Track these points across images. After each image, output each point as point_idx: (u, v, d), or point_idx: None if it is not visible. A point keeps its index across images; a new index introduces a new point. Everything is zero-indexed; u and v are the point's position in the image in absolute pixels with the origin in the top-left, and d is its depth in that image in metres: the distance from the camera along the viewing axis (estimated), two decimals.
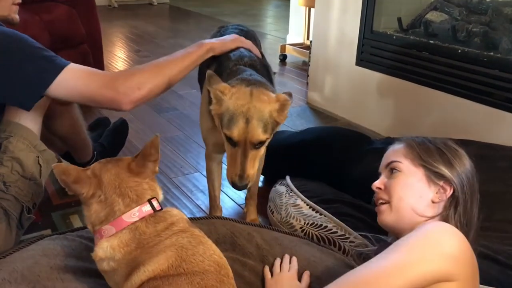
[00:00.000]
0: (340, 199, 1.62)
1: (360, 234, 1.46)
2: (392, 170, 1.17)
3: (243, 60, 1.53)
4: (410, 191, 1.13)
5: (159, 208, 1.04)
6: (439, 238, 0.89)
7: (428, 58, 2.36)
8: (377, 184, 1.20)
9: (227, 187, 2.10)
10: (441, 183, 1.12)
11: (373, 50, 2.64)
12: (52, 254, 1.22)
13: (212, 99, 1.35)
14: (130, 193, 1.02)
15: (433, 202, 1.12)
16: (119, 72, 1.43)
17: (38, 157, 1.45)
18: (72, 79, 1.30)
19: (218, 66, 1.56)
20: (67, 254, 1.22)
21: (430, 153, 1.14)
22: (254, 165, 1.35)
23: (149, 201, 1.03)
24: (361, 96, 2.78)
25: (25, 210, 1.42)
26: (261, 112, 1.29)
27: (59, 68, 1.29)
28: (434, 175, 1.12)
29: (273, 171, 1.98)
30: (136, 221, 1.00)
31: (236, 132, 1.29)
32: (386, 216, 1.15)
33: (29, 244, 1.29)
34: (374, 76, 2.65)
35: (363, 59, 2.71)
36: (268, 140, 1.36)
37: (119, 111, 1.39)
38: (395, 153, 1.19)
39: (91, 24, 2.88)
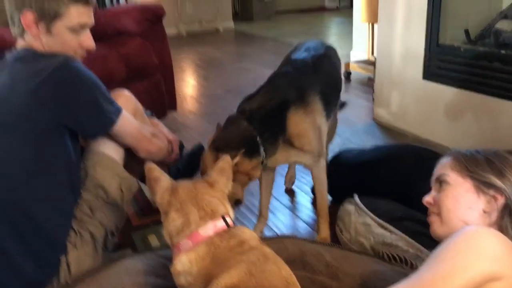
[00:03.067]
0: (411, 217, 1.60)
1: None
2: (440, 183, 1.17)
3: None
4: (459, 203, 1.13)
5: (232, 225, 1.09)
6: (478, 241, 0.90)
7: (499, 69, 2.27)
8: (427, 198, 1.21)
9: (300, 209, 2.14)
10: (492, 192, 1.10)
11: (440, 64, 2.58)
12: (134, 272, 1.31)
13: None
14: (205, 206, 1.09)
15: (484, 212, 1.10)
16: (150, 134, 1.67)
17: (121, 183, 1.56)
18: (125, 124, 1.50)
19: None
20: (147, 272, 1.31)
21: (477, 163, 1.13)
22: None
23: (223, 217, 1.09)
24: (430, 110, 2.71)
25: (109, 233, 1.52)
26: None
27: (120, 111, 1.47)
28: (483, 185, 1.11)
29: (340, 190, 1.99)
30: (211, 236, 1.05)
31: None
32: (437, 228, 1.16)
33: (113, 264, 1.40)
34: (442, 90, 2.59)
35: (430, 73, 2.65)
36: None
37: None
38: (443, 166, 1.19)
39: (162, 54, 3.05)
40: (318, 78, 1.78)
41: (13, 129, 1.31)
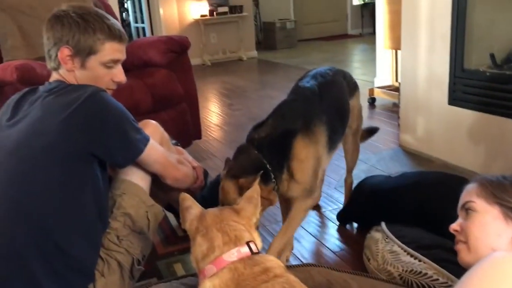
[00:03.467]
0: (439, 245, 1.56)
1: None
2: (467, 211, 1.14)
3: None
4: (487, 231, 1.10)
5: (257, 251, 1.09)
6: (505, 267, 0.87)
7: None
8: (453, 226, 1.18)
9: (326, 237, 2.12)
10: None
11: (466, 89, 2.56)
12: None
13: None
14: (230, 232, 1.10)
15: None
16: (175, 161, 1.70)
17: (147, 211, 1.58)
18: (153, 152, 1.53)
19: None
20: None
21: (504, 189, 1.11)
22: None
23: (247, 243, 1.09)
24: (456, 136, 2.68)
25: (135, 262, 1.54)
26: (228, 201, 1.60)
27: (148, 139, 1.50)
28: (511, 212, 1.07)
29: (366, 218, 1.96)
30: (234, 261, 1.05)
31: None
32: (465, 256, 1.13)
33: None
34: (468, 115, 2.56)
35: (455, 98, 2.63)
36: None
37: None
38: (469, 193, 1.17)
39: (188, 84, 3.12)
40: (324, 107, 1.78)
41: (45, 161, 1.34)
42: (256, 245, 1.11)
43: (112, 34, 1.48)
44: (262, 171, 1.55)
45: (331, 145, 1.81)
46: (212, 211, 1.16)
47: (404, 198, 1.89)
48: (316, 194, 1.80)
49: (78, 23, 1.44)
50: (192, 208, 1.16)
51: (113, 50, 1.49)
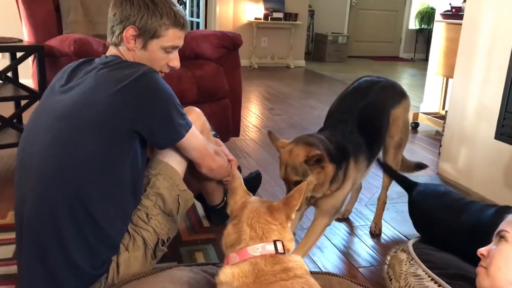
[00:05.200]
0: (466, 276, 1.51)
1: None
2: (500, 238, 1.12)
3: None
4: (510, 263, 1.08)
5: (282, 251, 1.09)
6: None
7: None
8: (481, 250, 1.17)
9: (350, 252, 2.09)
10: None
11: None
12: (178, 282, 1.33)
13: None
14: (258, 228, 1.11)
15: None
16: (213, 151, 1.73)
17: (179, 195, 1.61)
18: (193, 139, 1.57)
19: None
20: (191, 285, 1.33)
21: None
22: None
23: (274, 242, 1.09)
24: (499, 172, 2.60)
25: (160, 242, 1.56)
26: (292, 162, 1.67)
27: (190, 126, 1.54)
28: None
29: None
30: (256, 256, 1.07)
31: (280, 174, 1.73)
32: (482, 280, 1.13)
33: (160, 271, 1.43)
34: None
35: (503, 133, 2.55)
36: (304, 180, 1.65)
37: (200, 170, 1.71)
38: (508, 223, 1.16)
39: (234, 81, 3.15)
40: (362, 135, 1.87)
41: (91, 131, 1.38)
42: (283, 245, 1.11)
43: (177, 21, 1.52)
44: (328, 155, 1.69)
45: (366, 169, 1.94)
46: (252, 203, 1.17)
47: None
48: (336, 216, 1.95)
49: (148, 5, 1.48)
50: (237, 192, 1.20)
51: (175, 37, 1.54)
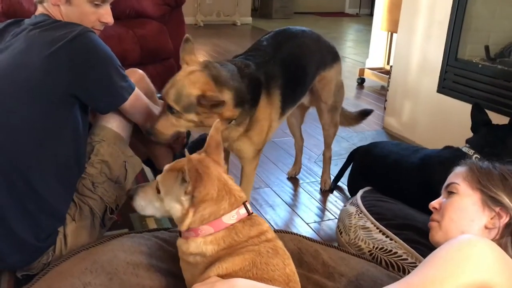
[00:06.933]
0: (412, 225, 1.58)
1: None
2: (449, 191, 1.16)
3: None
4: (462, 214, 1.12)
5: (251, 212, 1.08)
6: (471, 249, 0.89)
7: None
8: (433, 203, 1.21)
9: (301, 207, 2.13)
10: (498, 209, 1.09)
11: (457, 78, 2.56)
12: (130, 250, 1.30)
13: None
14: (236, 192, 1.07)
15: (486, 227, 1.09)
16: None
17: (125, 162, 1.55)
18: (137, 101, 1.50)
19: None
20: (142, 252, 1.30)
21: (491, 178, 1.12)
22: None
23: (244, 203, 1.07)
24: (441, 124, 2.69)
25: (108, 210, 1.52)
26: (182, 86, 1.46)
27: (133, 88, 1.47)
28: (491, 200, 1.10)
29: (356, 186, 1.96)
30: (234, 223, 1.04)
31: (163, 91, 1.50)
32: (435, 234, 1.16)
33: (110, 240, 1.39)
34: (456, 104, 2.57)
35: (445, 87, 2.63)
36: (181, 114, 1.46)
37: None
38: (456, 175, 1.18)
39: (178, 40, 3.01)
40: (280, 69, 1.72)
41: (24, 95, 1.30)
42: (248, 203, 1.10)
43: None
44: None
45: (282, 113, 1.78)
46: (212, 168, 1.08)
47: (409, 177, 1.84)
48: (260, 154, 1.81)
49: None
50: (202, 179, 1.02)
51: None
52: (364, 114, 2.41)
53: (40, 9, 1.45)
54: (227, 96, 1.49)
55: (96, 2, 1.43)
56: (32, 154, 1.32)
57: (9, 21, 1.47)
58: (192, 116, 1.47)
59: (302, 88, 1.93)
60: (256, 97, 1.63)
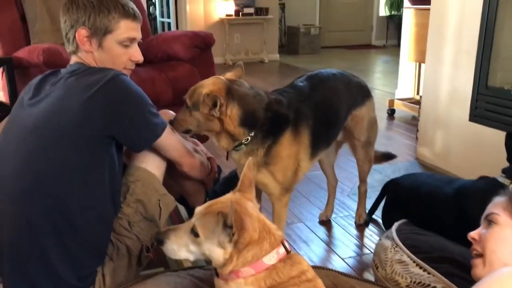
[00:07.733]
0: (449, 258, 1.54)
1: None
2: (489, 222, 1.12)
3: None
4: (503, 245, 1.09)
5: (290, 250, 1.08)
6: (510, 284, 0.86)
7: None
8: (472, 234, 1.17)
9: (335, 242, 2.11)
10: None
11: (489, 106, 2.53)
12: None
13: None
14: (274, 232, 1.07)
15: None
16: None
17: (159, 200, 1.59)
18: (170, 137, 1.56)
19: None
20: None
21: None
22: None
23: (282, 242, 1.08)
24: (475, 153, 2.65)
25: (144, 249, 1.55)
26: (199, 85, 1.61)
27: (165, 125, 1.52)
28: None
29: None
30: (274, 264, 1.04)
31: None
32: (479, 271, 1.11)
33: (146, 278, 1.41)
34: (489, 132, 2.53)
35: (477, 115, 2.60)
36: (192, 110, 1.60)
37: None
38: (495, 205, 1.16)
39: None
40: (313, 111, 1.75)
41: (65, 140, 1.36)
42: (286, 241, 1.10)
43: (126, 12, 1.50)
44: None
45: (312, 154, 1.78)
46: (252, 210, 1.09)
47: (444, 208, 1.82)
48: (291, 192, 1.79)
49: (93, 3, 1.46)
50: (246, 226, 1.03)
51: (128, 28, 1.51)
52: (387, 157, 2.40)
53: (74, 59, 1.53)
54: (233, 110, 1.58)
55: (125, 43, 1.52)
56: (72, 194, 1.37)
57: (47, 72, 1.57)
58: (198, 115, 1.59)
59: (335, 130, 1.95)
60: (278, 131, 1.66)
